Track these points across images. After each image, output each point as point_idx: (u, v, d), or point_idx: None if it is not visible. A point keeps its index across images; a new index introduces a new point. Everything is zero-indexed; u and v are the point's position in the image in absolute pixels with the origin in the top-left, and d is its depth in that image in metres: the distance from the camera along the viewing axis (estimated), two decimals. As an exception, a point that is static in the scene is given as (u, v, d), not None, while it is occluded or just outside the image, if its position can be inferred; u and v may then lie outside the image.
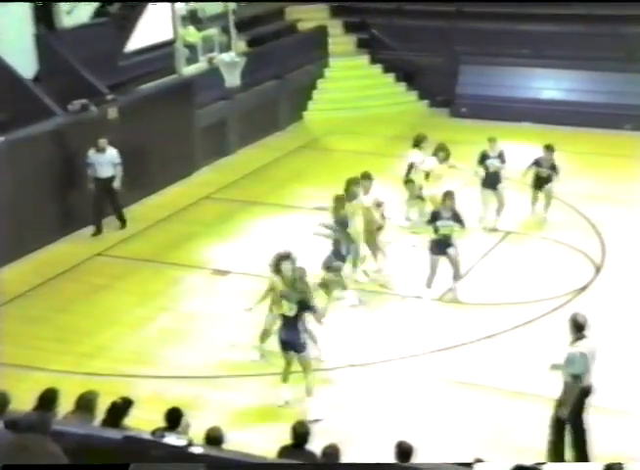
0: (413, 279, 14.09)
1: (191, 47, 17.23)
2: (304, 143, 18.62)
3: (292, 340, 10.99)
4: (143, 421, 8.75)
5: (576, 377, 9.44)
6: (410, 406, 11.12)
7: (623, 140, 19.61)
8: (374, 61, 23.84)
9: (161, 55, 18.42)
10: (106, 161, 16.13)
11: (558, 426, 9.68)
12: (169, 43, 17.37)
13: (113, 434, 7.63)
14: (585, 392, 9.62)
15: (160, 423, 8.44)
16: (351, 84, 23.24)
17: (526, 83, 22.03)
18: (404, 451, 7.85)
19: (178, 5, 16.75)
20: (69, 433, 7.50)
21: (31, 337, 12.75)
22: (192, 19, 18.35)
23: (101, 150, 16.10)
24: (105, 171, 16.15)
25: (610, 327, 12.59)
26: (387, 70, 23.69)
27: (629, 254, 14.77)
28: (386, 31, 23.89)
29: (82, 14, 18.78)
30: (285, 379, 11.24)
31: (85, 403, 8.78)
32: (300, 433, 8.37)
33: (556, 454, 9.69)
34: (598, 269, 14.32)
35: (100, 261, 15.33)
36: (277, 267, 11.30)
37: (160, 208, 17.39)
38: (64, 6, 18.35)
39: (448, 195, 13.59)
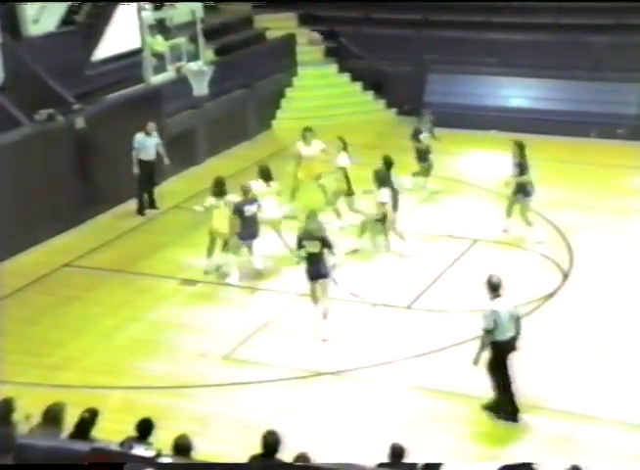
0: (383, 286, 14.13)
1: (159, 56, 17.22)
2: (273, 152, 18.62)
3: (320, 271, 12.71)
4: (112, 432, 8.71)
5: (487, 331, 10.54)
6: (381, 414, 11.13)
7: (589, 148, 19.80)
8: (342, 69, 23.92)
9: (129, 64, 18.40)
10: (152, 144, 17.06)
11: (498, 386, 10.74)
12: (137, 52, 17.35)
13: (80, 446, 7.57)
14: (502, 347, 10.64)
15: (129, 433, 8.39)
16: (320, 93, 23.32)
17: (494, 92, 22.18)
18: (397, 453, 8.21)
19: (145, 14, 16.69)
20: (36, 446, 7.44)
21: (-2, 349, 12.64)
22: (159, 27, 18.33)
23: (149, 134, 16.88)
24: (150, 154, 17.06)
25: (577, 333, 12.71)
26: (354, 78, 23.77)
27: (597, 260, 14.88)
28: (353, 40, 23.98)
29: (49, 22, 18.65)
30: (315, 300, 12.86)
31: (52, 416, 8.73)
32: (271, 442, 8.35)
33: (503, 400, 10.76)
34: (565, 276, 14.42)
35: (68, 272, 15.23)
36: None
37: (128, 217, 17.31)
38: (30, 14, 18.23)
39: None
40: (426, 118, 18.09)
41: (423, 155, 17.85)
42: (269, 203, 14.98)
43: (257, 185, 15.02)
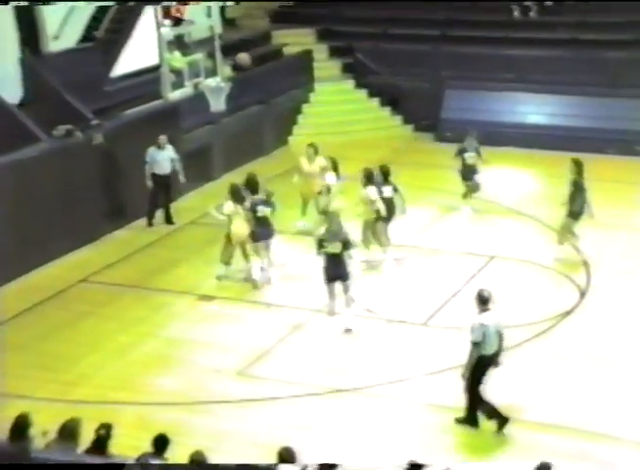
0: (399, 303, 14.10)
1: (177, 72, 17.27)
2: (289, 168, 18.63)
3: (340, 271, 12.99)
4: (127, 447, 8.75)
5: (475, 344, 10.59)
6: (397, 431, 11.08)
7: (607, 164, 19.71)
8: (359, 85, 23.94)
9: (147, 80, 18.50)
10: (165, 157, 17.10)
11: (472, 393, 10.82)
12: (155, 68, 17.42)
13: (96, 461, 7.58)
14: (487, 361, 10.72)
15: (144, 449, 8.40)
16: (336, 109, 23.33)
17: (511, 108, 22.13)
18: None
19: (164, 30, 16.78)
20: (53, 461, 7.46)
21: (14, 365, 12.63)
22: (178, 44, 18.42)
23: (161, 147, 16.93)
24: (163, 168, 17.12)
25: (594, 352, 12.62)
26: (372, 94, 23.79)
27: (614, 278, 14.80)
28: (371, 56, 24.02)
29: (69, 39, 18.82)
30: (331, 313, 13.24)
31: (68, 431, 8.76)
32: (286, 458, 8.33)
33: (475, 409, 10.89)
34: (583, 294, 14.35)
35: (84, 288, 15.27)
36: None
37: (144, 233, 17.36)
38: (50, 31, 18.38)
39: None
40: (471, 137, 17.64)
41: (467, 174, 17.47)
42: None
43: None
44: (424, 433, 11.04)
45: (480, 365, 10.71)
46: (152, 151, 17.11)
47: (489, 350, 10.69)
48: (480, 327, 10.55)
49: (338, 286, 13.31)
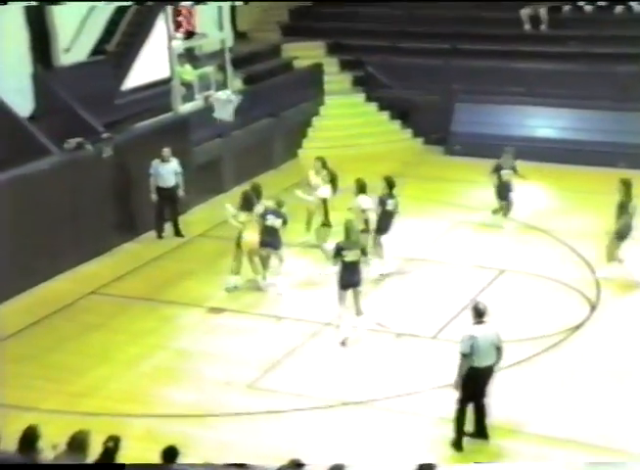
0: (409, 316, 14.07)
1: (187, 85, 17.35)
2: (299, 181, 18.65)
3: (354, 279, 13.19)
4: (136, 460, 8.73)
5: (464, 355, 10.63)
6: (406, 444, 11.04)
7: (617, 178, 19.61)
8: (369, 99, 23.96)
9: (158, 93, 18.57)
10: (169, 170, 17.10)
11: (459, 404, 10.82)
12: (166, 81, 17.48)
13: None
14: (479, 374, 10.73)
15: (154, 461, 8.38)
16: (346, 122, 23.34)
17: (521, 121, 22.10)
18: None
19: (175, 43, 16.86)
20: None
21: (23, 376, 12.66)
22: (189, 56, 18.51)
23: (165, 160, 16.92)
24: (167, 181, 17.11)
25: (605, 366, 12.56)
26: (381, 107, 23.81)
27: (624, 292, 14.74)
28: (381, 69, 24.05)
29: (80, 52, 18.89)
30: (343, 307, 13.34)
31: (77, 443, 8.74)
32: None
33: (457, 427, 10.86)
34: (593, 308, 14.30)
35: (94, 300, 15.28)
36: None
37: (153, 245, 17.39)
38: (61, 44, 18.47)
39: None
40: (508, 154, 17.47)
41: (502, 192, 17.37)
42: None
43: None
44: (432, 446, 11.00)
45: (471, 377, 10.69)
46: (156, 164, 17.11)
47: (481, 362, 10.67)
48: (470, 339, 10.59)
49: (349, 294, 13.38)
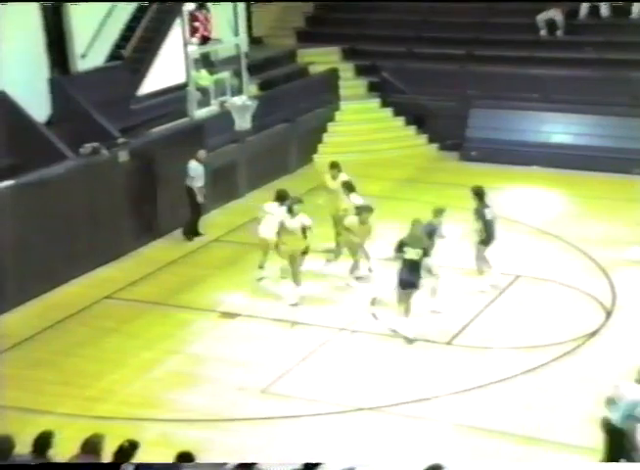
0: (423, 322, 14.06)
1: (203, 90, 17.40)
2: (314, 186, 18.67)
3: (413, 280, 13.08)
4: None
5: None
6: (421, 450, 11.01)
7: (632, 184, 19.61)
8: (385, 104, 23.95)
9: (174, 98, 18.63)
10: (204, 172, 17.41)
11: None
12: (182, 86, 17.53)
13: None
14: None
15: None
16: (362, 128, 23.34)
17: (536, 127, 22.06)
18: None
19: (191, 48, 16.92)
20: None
21: (38, 381, 12.73)
22: (204, 62, 18.56)
23: (202, 162, 17.24)
24: (201, 182, 17.37)
25: (620, 372, 12.49)
26: (397, 113, 23.79)
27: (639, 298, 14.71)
28: (397, 75, 24.04)
29: (96, 57, 19.00)
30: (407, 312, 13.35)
31: (91, 447, 8.76)
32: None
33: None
34: (609, 314, 14.24)
35: (108, 304, 15.32)
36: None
37: (168, 250, 17.42)
38: (78, 49, 18.57)
39: None
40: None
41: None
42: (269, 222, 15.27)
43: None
44: (447, 452, 10.97)
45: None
46: (195, 165, 17.28)
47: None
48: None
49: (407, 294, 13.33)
